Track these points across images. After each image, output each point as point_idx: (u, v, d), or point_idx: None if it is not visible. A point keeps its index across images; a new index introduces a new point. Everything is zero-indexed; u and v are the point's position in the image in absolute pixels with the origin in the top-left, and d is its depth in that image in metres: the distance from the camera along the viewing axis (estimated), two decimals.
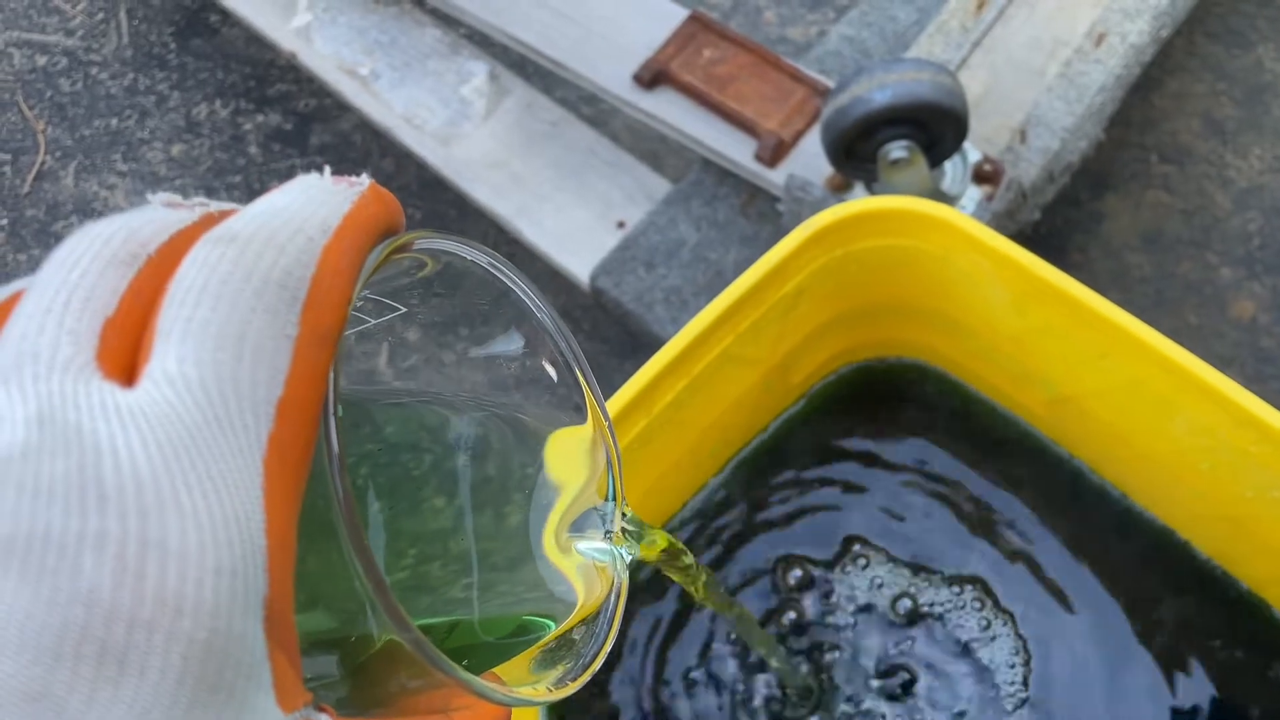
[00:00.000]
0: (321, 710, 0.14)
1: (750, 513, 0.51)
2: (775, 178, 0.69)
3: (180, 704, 0.12)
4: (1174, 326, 0.76)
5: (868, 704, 0.46)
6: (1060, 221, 0.80)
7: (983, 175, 0.65)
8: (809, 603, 0.48)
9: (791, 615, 0.48)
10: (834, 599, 0.48)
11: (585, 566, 0.25)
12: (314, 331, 0.14)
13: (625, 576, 0.25)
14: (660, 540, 0.29)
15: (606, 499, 0.26)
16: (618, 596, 0.24)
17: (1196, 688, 0.45)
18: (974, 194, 0.64)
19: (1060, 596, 0.47)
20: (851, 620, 0.48)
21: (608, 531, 0.25)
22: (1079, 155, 0.69)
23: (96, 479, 0.12)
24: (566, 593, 0.24)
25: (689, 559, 0.30)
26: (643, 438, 0.44)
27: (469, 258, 0.21)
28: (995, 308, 0.45)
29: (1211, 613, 0.46)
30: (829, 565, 0.49)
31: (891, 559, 0.49)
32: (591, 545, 0.25)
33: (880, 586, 0.48)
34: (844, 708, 0.46)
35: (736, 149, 0.70)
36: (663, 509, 0.50)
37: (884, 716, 0.46)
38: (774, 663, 0.44)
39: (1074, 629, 0.46)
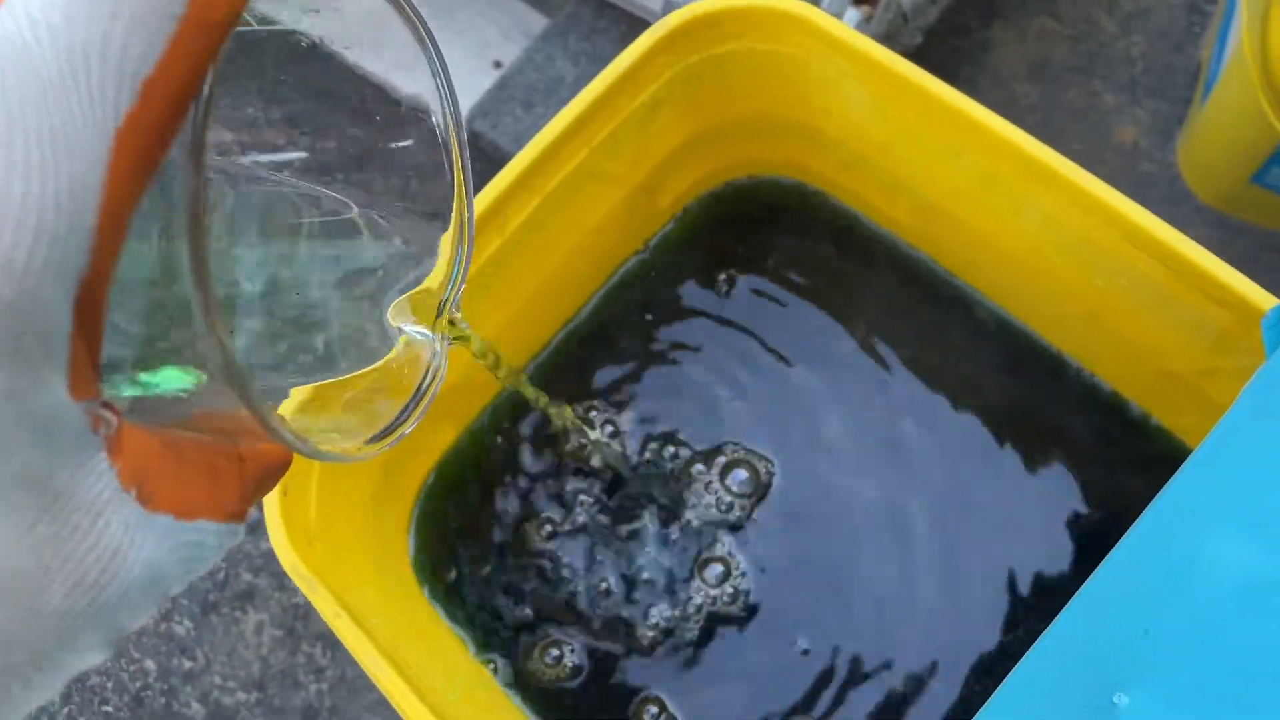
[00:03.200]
0: (108, 408, 0.14)
1: (623, 341, 0.50)
2: (653, 4, 0.66)
3: None
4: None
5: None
6: (949, 51, 0.78)
7: None
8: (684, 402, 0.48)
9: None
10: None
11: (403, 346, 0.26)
12: (202, 17, 0.13)
13: (443, 362, 0.25)
14: (476, 339, 0.30)
15: (447, 287, 0.26)
16: (433, 377, 0.25)
17: (1061, 485, 0.46)
18: (852, 15, 0.62)
19: (931, 401, 0.48)
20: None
21: (438, 317, 0.26)
22: None
23: None
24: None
25: (496, 355, 0.32)
26: (496, 260, 0.43)
27: None
28: (858, 113, 0.44)
29: (1075, 410, 0.47)
30: (694, 350, 0.49)
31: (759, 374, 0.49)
32: (416, 327, 0.26)
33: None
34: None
35: None
36: (530, 338, 0.49)
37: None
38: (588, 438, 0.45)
39: (946, 428, 0.47)
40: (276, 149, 0.24)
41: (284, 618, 0.75)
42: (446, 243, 0.27)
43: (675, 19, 0.42)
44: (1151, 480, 0.46)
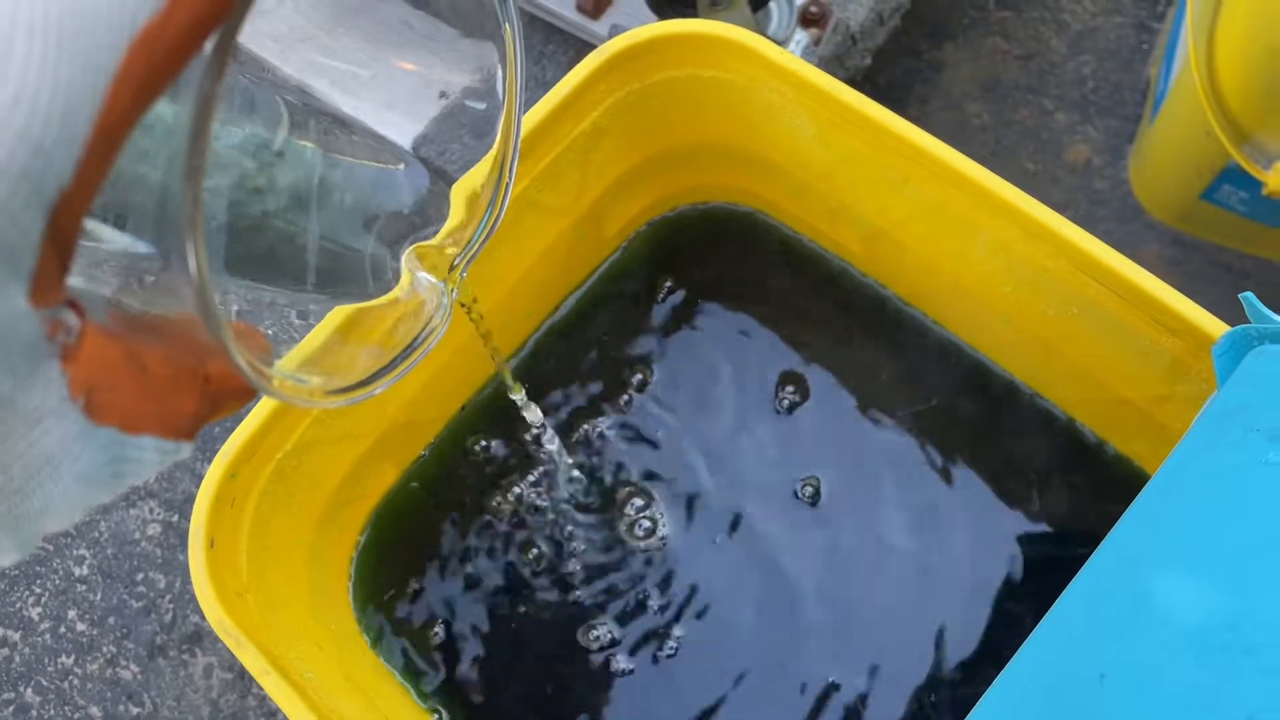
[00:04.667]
0: (72, 308, 0.13)
1: (572, 364, 0.49)
2: (599, 30, 0.65)
3: None
4: (1012, 174, 0.75)
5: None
6: (900, 72, 0.78)
7: (809, 18, 0.62)
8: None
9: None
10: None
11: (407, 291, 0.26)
12: None
13: (444, 321, 0.25)
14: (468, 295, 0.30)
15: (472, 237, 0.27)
16: (429, 335, 0.24)
17: (1017, 513, 0.45)
18: (801, 38, 0.62)
19: (883, 427, 0.47)
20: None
21: (453, 267, 0.26)
22: None
23: None
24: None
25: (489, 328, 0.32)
26: None
27: None
28: (802, 141, 0.43)
29: (1029, 437, 0.46)
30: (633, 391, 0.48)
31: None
32: (427, 275, 0.26)
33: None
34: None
35: (558, 0, 0.66)
36: (472, 373, 0.48)
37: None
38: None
39: (899, 455, 0.46)
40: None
41: (233, 660, 0.73)
42: (469, 201, 0.27)
43: (615, 45, 0.41)
44: (1109, 508, 0.45)
